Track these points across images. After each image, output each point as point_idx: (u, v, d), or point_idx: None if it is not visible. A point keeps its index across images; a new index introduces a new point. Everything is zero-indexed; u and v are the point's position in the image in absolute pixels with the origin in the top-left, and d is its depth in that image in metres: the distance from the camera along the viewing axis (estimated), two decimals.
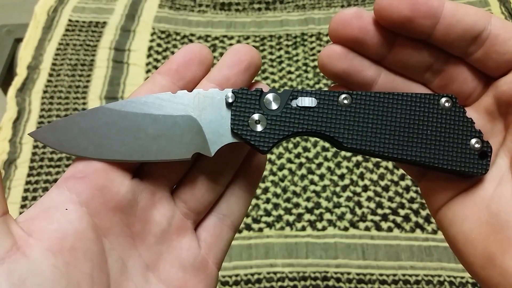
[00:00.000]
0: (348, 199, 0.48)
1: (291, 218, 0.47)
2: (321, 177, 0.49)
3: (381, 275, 0.43)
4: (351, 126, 0.21)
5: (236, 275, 0.43)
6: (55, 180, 0.49)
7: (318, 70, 0.57)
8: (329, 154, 0.51)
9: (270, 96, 0.22)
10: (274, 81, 0.57)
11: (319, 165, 0.50)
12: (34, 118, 0.54)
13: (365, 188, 0.48)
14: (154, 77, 0.23)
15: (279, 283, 0.43)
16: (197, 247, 0.24)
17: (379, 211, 0.47)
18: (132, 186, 0.22)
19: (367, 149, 0.21)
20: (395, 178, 0.49)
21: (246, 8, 0.65)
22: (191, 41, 0.61)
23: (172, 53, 0.59)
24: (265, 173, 0.49)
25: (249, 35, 0.62)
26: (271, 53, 0.60)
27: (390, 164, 0.50)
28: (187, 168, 0.24)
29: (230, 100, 0.22)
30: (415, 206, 0.47)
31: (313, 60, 0.59)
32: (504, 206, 0.20)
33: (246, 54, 0.23)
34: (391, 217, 0.46)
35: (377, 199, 0.47)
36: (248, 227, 0.46)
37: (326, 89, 0.56)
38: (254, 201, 0.48)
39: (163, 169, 0.23)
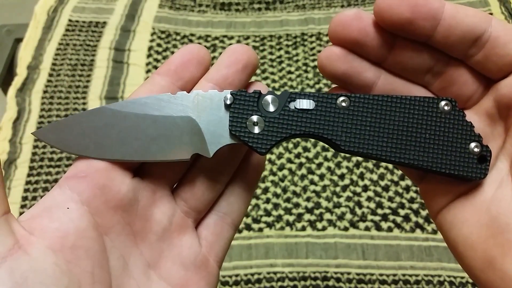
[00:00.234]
0: (348, 199, 0.48)
1: (291, 218, 0.47)
2: (321, 177, 0.49)
3: (381, 275, 0.43)
4: (349, 129, 0.21)
5: (236, 275, 0.43)
6: (55, 180, 0.49)
7: (318, 70, 0.57)
8: (329, 154, 0.51)
9: (268, 98, 0.22)
10: (274, 81, 0.57)
11: (319, 165, 0.50)
12: (34, 118, 0.54)
13: (365, 188, 0.48)
14: (153, 78, 0.23)
15: (279, 283, 0.43)
16: (198, 245, 0.24)
17: (379, 211, 0.47)
18: (133, 185, 0.22)
19: (365, 151, 0.21)
20: (395, 178, 0.49)
21: (246, 8, 0.65)
22: (191, 41, 0.61)
23: (172, 53, 0.59)
24: (265, 173, 0.49)
25: (249, 35, 0.61)
26: (271, 53, 0.59)
27: (390, 164, 0.50)
28: (187, 167, 0.24)
29: (229, 102, 0.22)
30: (415, 206, 0.47)
31: (313, 60, 0.58)
32: (504, 209, 0.20)
33: (243, 54, 0.23)
34: (391, 217, 0.46)
35: (377, 199, 0.47)
36: (248, 227, 0.46)
37: (326, 89, 0.56)
38: (254, 201, 0.48)
39: (163, 168, 0.23)
